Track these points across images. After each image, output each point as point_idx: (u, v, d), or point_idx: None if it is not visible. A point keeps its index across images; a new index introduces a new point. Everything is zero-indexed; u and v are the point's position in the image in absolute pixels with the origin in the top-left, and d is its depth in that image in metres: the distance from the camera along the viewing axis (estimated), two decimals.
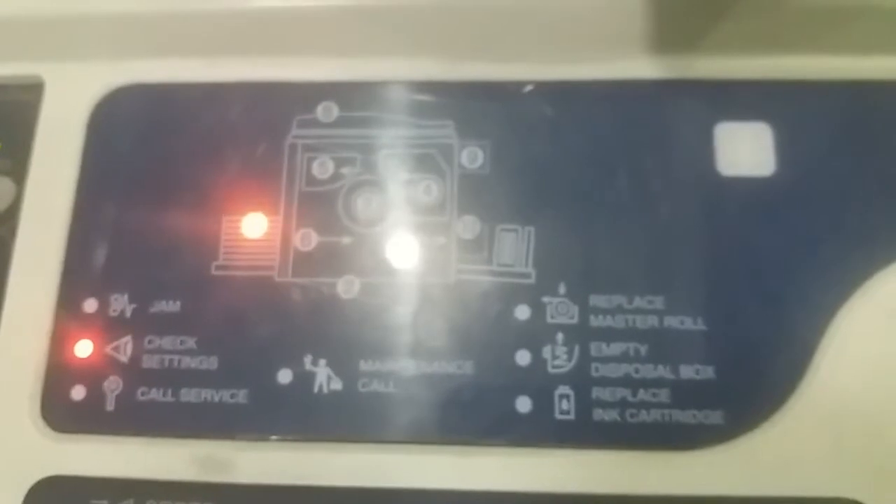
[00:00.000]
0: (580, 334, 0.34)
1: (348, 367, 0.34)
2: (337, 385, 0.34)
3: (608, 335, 0.34)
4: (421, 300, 0.35)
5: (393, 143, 0.37)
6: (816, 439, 0.33)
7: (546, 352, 0.34)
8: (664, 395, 0.33)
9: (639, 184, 0.36)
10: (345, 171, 0.36)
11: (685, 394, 0.33)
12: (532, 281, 0.35)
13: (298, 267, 0.35)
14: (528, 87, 0.37)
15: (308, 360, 0.34)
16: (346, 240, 0.35)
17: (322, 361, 0.34)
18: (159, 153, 0.37)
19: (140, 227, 0.36)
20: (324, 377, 0.34)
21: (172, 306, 0.35)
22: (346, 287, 0.35)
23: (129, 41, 0.38)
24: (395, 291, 0.35)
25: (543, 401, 0.33)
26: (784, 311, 0.34)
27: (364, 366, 0.34)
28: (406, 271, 0.35)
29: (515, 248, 0.35)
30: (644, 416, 0.33)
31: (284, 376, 0.34)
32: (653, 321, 0.34)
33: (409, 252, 0.35)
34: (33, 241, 0.36)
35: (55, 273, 0.36)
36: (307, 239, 0.35)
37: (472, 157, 0.36)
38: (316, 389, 0.34)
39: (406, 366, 0.34)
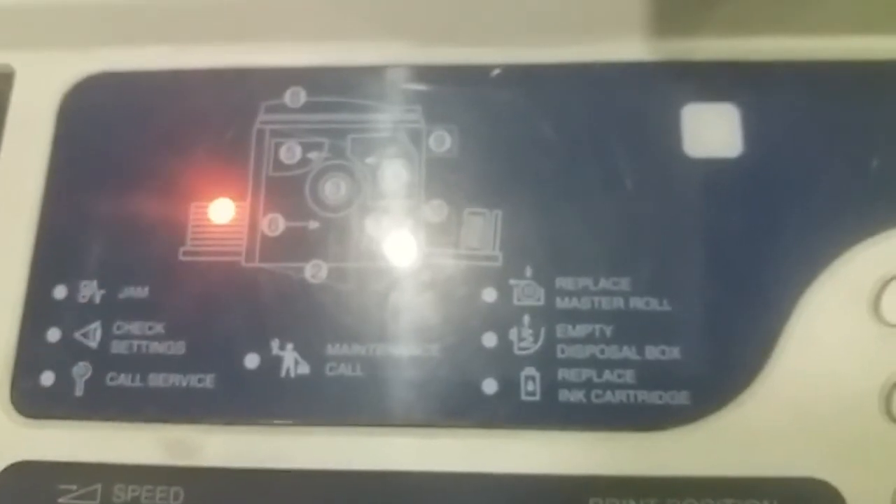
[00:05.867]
0: (546, 316, 0.34)
1: (315, 351, 0.34)
2: (304, 369, 0.34)
3: (574, 317, 0.34)
4: (388, 284, 0.35)
5: (360, 127, 0.37)
6: (783, 419, 0.33)
7: (512, 334, 0.34)
8: (630, 375, 0.33)
9: (606, 166, 0.36)
10: (312, 155, 0.36)
11: (651, 374, 0.33)
12: (499, 264, 0.35)
13: (266, 252, 0.35)
14: (496, 71, 0.37)
15: (275, 344, 0.34)
16: (313, 225, 0.36)
17: (289, 346, 0.34)
18: (128, 140, 0.37)
19: (109, 214, 0.36)
20: (291, 361, 0.34)
21: (141, 292, 0.35)
22: (314, 272, 0.35)
23: (99, 29, 0.38)
24: (362, 276, 0.35)
25: (510, 382, 0.34)
26: (750, 292, 0.34)
27: (331, 350, 0.34)
28: (373, 256, 0.35)
29: (483, 231, 0.35)
30: (610, 396, 0.33)
31: (251, 361, 0.34)
32: (618, 303, 0.34)
33: (377, 236, 0.35)
34: (3, 228, 0.36)
35: (25, 259, 0.36)
36: (274, 224, 0.36)
37: (440, 141, 0.36)
38: (283, 374, 0.34)
39: (373, 349, 0.34)
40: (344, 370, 0.34)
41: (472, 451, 0.33)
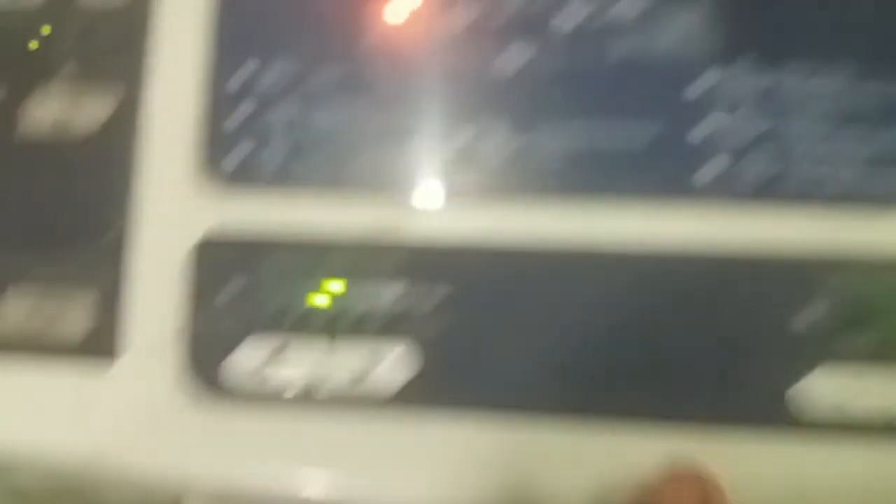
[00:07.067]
0: (768, 101, 0.32)
1: (526, 128, 0.32)
2: (515, 144, 0.32)
3: (797, 102, 0.32)
4: (592, 72, 0.33)
5: None
6: None
7: (733, 118, 0.32)
8: (862, 158, 0.32)
9: None
10: None
11: (887, 156, 0.32)
12: (713, 51, 0.33)
13: (465, 37, 0.34)
14: None
15: (485, 121, 0.33)
16: (509, 11, 0.34)
17: (499, 123, 0.32)
18: None
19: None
20: (502, 137, 0.32)
21: (336, 72, 0.33)
22: (515, 55, 0.33)
23: None
24: (562, 64, 0.33)
25: (733, 166, 0.32)
26: None
27: (541, 126, 0.32)
28: (578, 42, 0.33)
29: (690, 21, 0.33)
30: (842, 178, 0.31)
31: (460, 138, 0.32)
32: (843, 85, 0.32)
33: (576, 25, 0.33)
34: (184, 11, 0.35)
35: (209, 38, 0.34)
36: (468, 11, 0.34)
37: None
38: (494, 149, 0.32)
39: (582, 128, 0.32)
40: (554, 147, 0.32)
41: (694, 230, 0.32)
